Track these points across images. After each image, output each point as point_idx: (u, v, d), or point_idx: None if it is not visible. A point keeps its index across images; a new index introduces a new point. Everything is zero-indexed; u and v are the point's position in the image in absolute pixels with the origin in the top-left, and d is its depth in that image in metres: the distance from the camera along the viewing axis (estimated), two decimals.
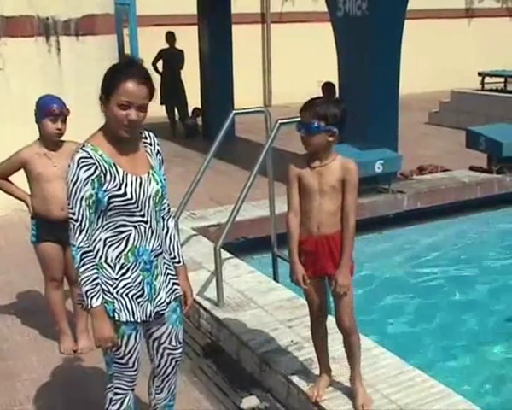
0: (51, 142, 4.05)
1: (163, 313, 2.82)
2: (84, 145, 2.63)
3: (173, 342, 2.93)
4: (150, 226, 2.72)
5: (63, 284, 4.28)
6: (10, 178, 4.18)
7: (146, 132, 2.83)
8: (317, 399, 3.29)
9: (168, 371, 2.98)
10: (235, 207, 4.50)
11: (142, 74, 2.63)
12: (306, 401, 3.37)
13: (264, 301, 4.55)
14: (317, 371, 3.45)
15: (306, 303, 3.32)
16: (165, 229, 2.88)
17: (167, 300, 2.81)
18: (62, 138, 4.08)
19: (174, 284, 2.86)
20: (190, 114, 12.52)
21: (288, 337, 3.98)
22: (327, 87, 8.62)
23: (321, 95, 8.58)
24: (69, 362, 4.18)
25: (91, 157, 2.58)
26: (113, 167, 2.62)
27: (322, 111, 2.94)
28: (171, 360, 2.96)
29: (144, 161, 2.75)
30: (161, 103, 12.07)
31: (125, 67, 2.64)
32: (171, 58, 12.01)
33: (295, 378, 3.52)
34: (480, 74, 13.67)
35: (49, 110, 3.98)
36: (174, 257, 2.91)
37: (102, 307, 2.63)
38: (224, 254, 5.05)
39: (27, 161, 4.05)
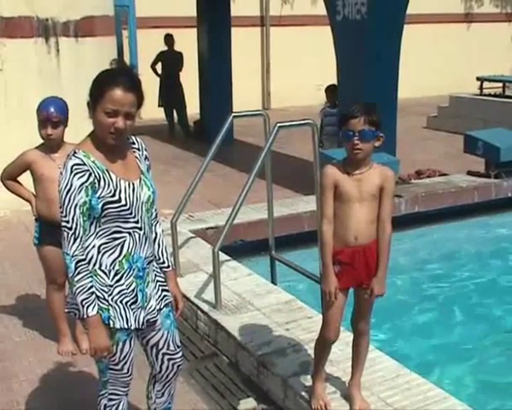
0: (48, 146, 4.06)
1: (155, 321, 2.81)
2: (75, 152, 2.59)
3: (172, 347, 2.92)
4: (144, 233, 2.71)
5: (65, 286, 4.28)
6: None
7: (133, 138, 2.80)
8: (328, 408, 3.26)
9: (170, 376, 2.98)
10: (234, 210, 4.50)
11: (130, 82, 2.58)
12: (303, 403, 3.38)
13: (261, 303, 4.56)
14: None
15: (323, 319, 3.17)
16: (154, 234, 2.86)
17: (157, 307, 2.80)
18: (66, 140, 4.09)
19: (164, 290, 2.85)
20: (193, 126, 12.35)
21: (286, 340, 3.98)
22: (331, 90, 8.70)
23: (321, 98, 8.68)
24: (66, 363, 4.18)
25: (84, 164, 2.55)
26: (106, 174, 2.60)
27: (375, 117, 2.94)
28: (173, 365, 2.95)
29: (135, 167, 2.74)
30: (160, 105, 12.10)
31: (113, 74, 2.61)
32: (170, 60, 12.03)
33: (293, 381, 3.53)
34: (478, 79, 13.71)
35: (38, 116, 4.01)
36: (163, 262, 2.90)
37: (98, 315, 2.60)
38: (222, 256, 5.05)
39: (32, 162, 4.05)
